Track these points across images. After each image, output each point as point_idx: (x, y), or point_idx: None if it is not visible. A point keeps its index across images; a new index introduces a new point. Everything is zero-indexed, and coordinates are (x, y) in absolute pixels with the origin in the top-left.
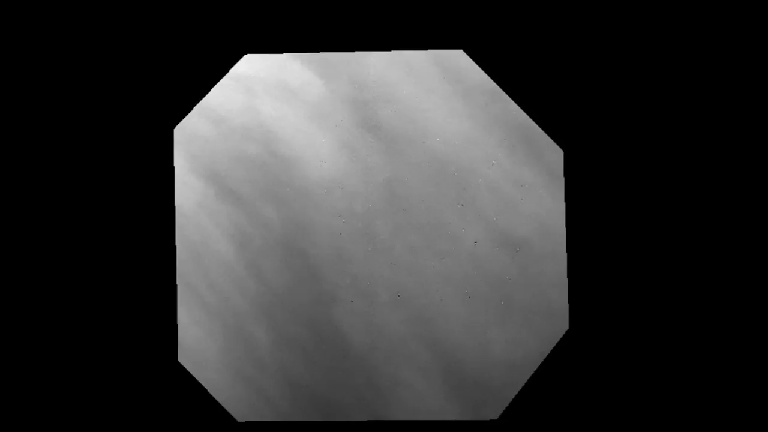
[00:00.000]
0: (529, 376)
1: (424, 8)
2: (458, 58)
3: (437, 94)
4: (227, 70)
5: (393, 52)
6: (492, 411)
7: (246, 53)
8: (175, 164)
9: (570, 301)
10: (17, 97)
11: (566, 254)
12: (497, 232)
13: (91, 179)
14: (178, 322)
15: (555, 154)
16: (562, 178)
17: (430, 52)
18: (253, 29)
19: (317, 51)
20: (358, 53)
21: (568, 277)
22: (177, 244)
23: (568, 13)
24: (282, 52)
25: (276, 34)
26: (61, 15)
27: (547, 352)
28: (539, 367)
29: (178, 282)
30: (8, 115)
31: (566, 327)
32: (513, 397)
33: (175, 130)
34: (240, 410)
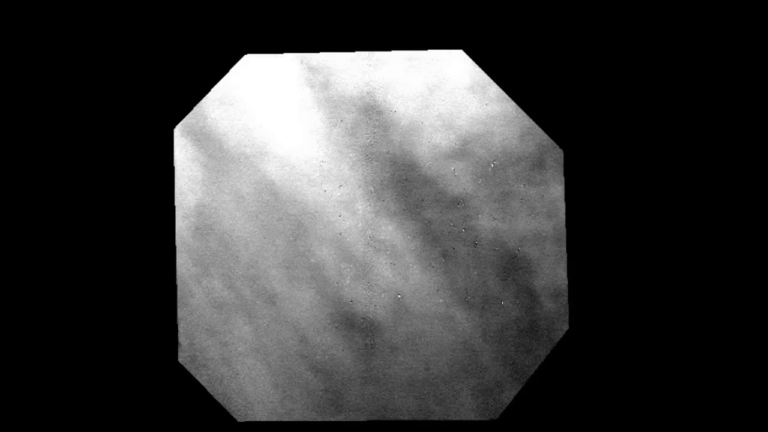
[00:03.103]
0: (529, 376)
1: (424, 8)
2: (328, 60)
3: (290, 102)
4: (227, 70)
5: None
6: (492, 411)
7: (246, 53)
8: None
9: (570, 301)
10: (17, 97)
11: (566, 254)
12: (336, 304)
13: (92, 179)
14: (178, 322)
15: (554, 155)
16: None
17: (430, 51)
18: (253, 29)
19: (317, 51)
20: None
21: (568, 277)
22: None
23: (567, 13)
24: (282, 52)
25: (276, 34)
26: (61, 15)
27: (547, 352)
28: (539, 367)
29: (178, 281)
30: (8, 115)
31: (566, 327)
32: (513, 397)
33: (175, 130)
34: (240, 410)
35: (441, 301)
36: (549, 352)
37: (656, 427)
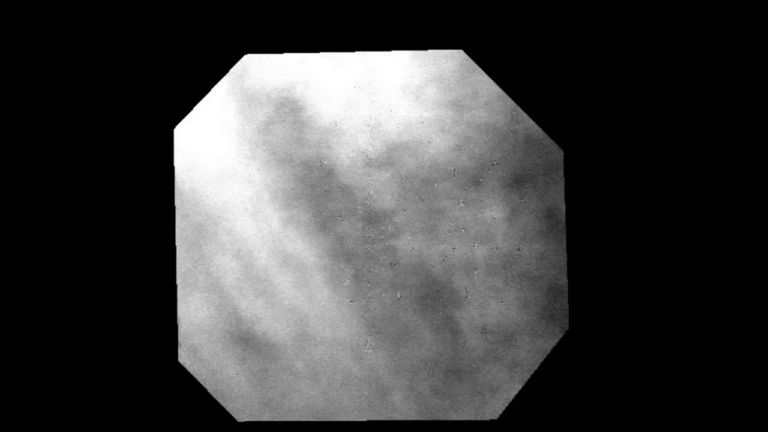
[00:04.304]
0: (529, 376)
1: (424, 8)
2: (248, 62)
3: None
4: (227, 70)
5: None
6: (492, 411)
7: (246, 53)
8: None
9: (570, 301)
10: (17, 97)
11: (566, 254)
12: (233, 320)
13: (92, 179)
14: (178, 322)
15: (554, 154)
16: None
17: (430, 51)
18: (253, 29)
19: (317, 51)
20: None
21: (568, 277)
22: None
23: (568, 13)
24: (282, 52)
25: (276, 34)
26: (61, 15)
27: (547, 352)
28: (539, 367)
29: (178, 281)
30: (9, 116)
31: (566, 327)
32: (513, 397)
33: (175, 130)
34: (240, 410)
35: (349, 328)
36: (549, 352)
37: (656, 427)
